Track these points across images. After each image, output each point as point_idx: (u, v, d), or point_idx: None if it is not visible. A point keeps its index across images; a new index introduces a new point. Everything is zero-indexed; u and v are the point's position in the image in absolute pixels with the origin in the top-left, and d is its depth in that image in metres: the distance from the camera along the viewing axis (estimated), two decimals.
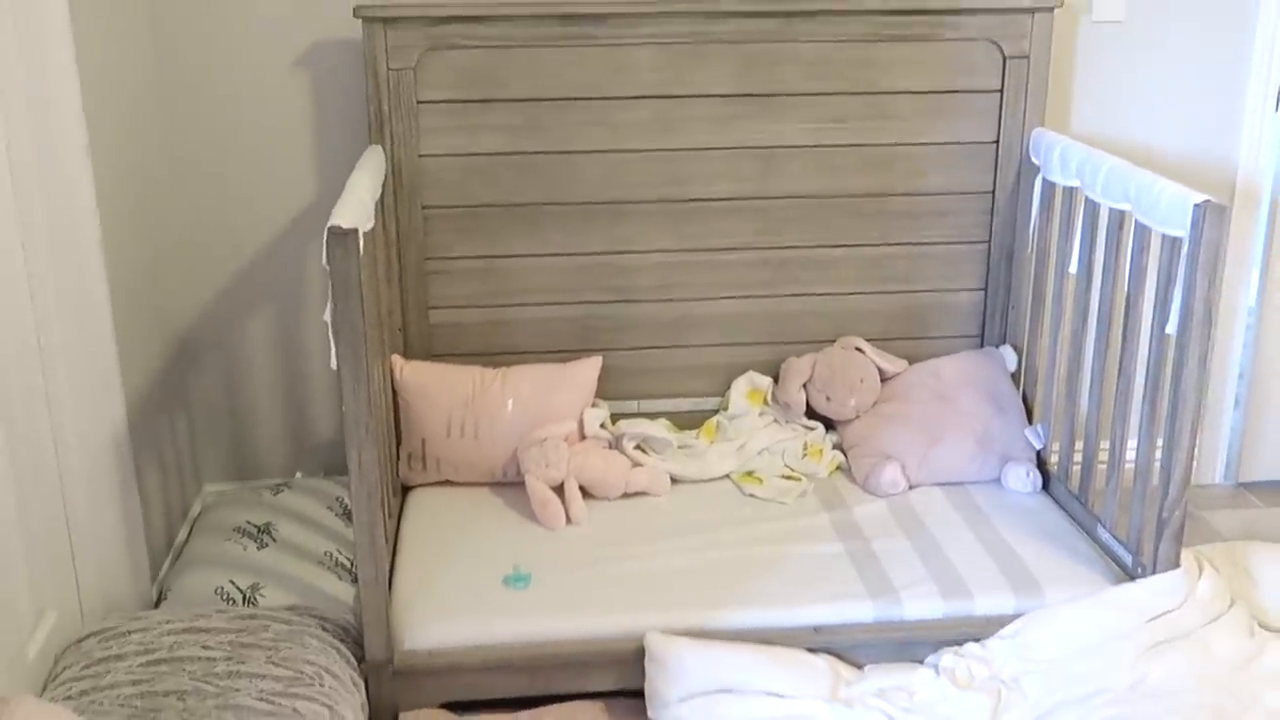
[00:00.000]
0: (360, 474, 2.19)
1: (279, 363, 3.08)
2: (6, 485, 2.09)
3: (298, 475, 3.07)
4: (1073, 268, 2.78)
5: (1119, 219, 2.60)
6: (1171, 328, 2.39)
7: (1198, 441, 3.35)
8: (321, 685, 2.17)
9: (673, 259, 3.04)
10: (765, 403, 3.11)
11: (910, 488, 2.92)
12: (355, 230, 2.08)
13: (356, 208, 2.23)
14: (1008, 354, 3.10)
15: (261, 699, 2.10)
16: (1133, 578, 2.53)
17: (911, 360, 3.12)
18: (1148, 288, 2.53)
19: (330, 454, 3.13)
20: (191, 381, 3.04)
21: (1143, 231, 2.51)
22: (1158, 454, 2.47)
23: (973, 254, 3.12)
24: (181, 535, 2.89)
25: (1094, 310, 2.72)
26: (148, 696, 2.08)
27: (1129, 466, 2.69)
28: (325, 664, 2.23)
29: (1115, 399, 2.64)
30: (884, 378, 3.08)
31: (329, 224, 2.09)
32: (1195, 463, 3.35)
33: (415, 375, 2.87)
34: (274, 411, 3.12)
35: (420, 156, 2.89)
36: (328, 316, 2.15)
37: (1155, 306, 2.47)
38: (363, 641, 2.34)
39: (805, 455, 3.02)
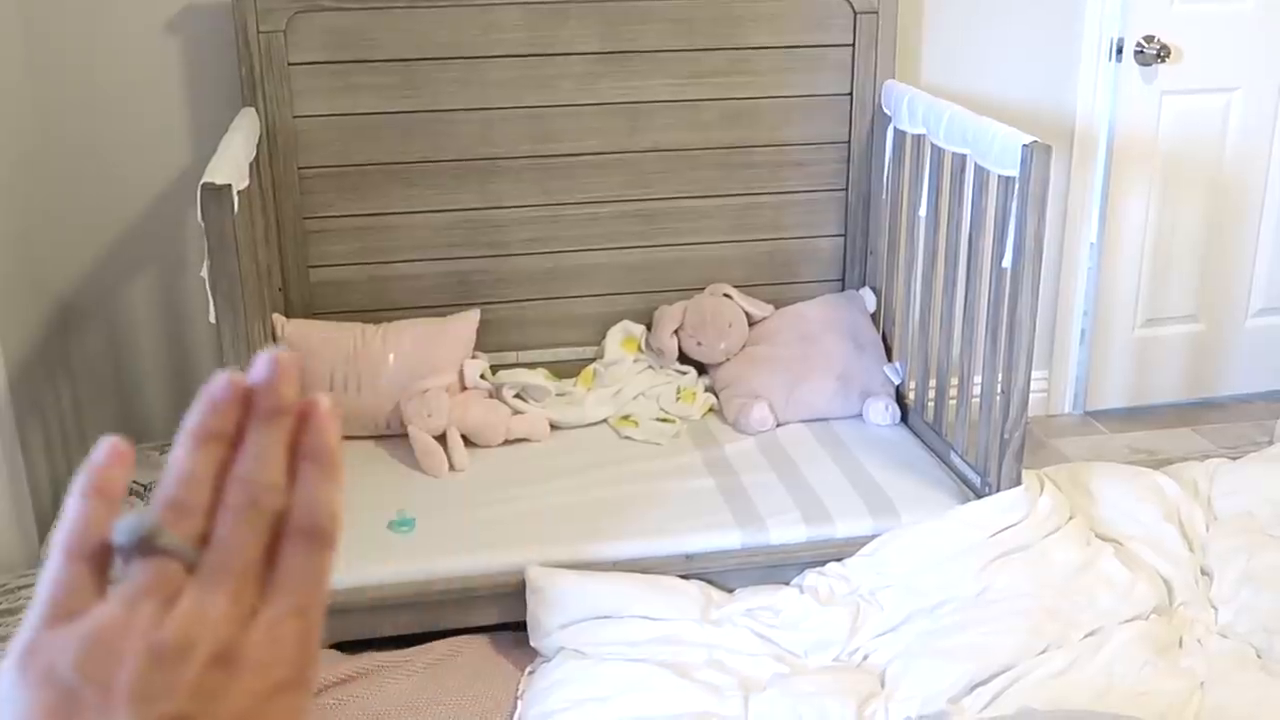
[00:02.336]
0: None
1: (161, 326, 3.12)
2: None
3: None
4: (922, 211, 2.95)
5: (960, 163, 2.77)
6: (1007, 262, 2.57)
7: (1049, 374, 3.59)
8: None
9: (545, 213, 3.15)
10: (639, 350, 3.24)
11: (778, 425, 3.08)
12: (229, 186, 2.15)
13: (230, 165, 2.30)
14: (867, 296, 3.27)
15: None
16: (980, 498, 2.73)
17: (777, 305, 3.27)
18: (987, 227, 2.71)
19: None
20: (74, 348, 3.07)
21: (981, 174, 2.68)
22: (1000, 380, 2.65)
23: (832, 201, 3.28)
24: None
25: (942, 250, 2.89)
26: None
27: (976, 396, 2.88)
28: None
29: (962, 333, 2.82)
30: (751, 322, 3.23)
31: (202, 181, 2.15)
32: (1046, 394, 3.59)
33: (297, 332, 2.94)
34: (159, 374, 3.16)
35: (294, 118, 2.95)
36: (204, 272, 2.22)
37: (994, 244, 2.65)
38: None
39: (679, 399, 3.16)
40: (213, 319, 2.21)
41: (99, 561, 0.45)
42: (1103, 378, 3.66)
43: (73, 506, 0.45)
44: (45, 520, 2.76)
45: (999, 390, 2.65)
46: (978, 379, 2.80)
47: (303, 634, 0.45)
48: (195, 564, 0.44)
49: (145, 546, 0.44)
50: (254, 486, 0.46)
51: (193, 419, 0.47)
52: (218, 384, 0.47)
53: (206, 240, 2.15)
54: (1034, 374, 2.72)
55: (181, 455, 0.46)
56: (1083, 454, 3.38)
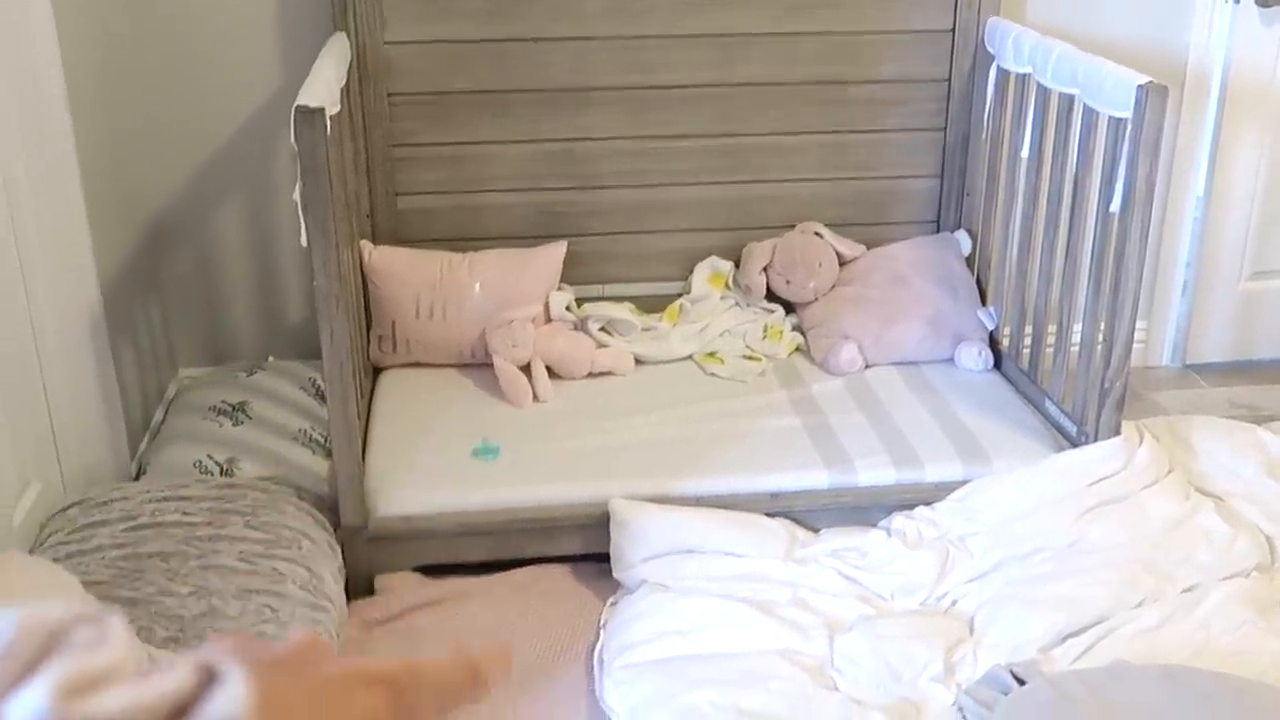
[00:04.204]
0: (332, 345, 2.26)
1: (251, 248, 3.13)
2: (7, 370, 2.16)
3: (270, 359, 3.14)
4: (1025, 152, 2.86)
5: (1068, 103, 2.67)
6: (1115, 206, 2.48)
7: (1148, 325, 3.49)
8: (300, 548, 2.27)
9: (635, 146, 3.10)
10: (726, 287, 3.19)
11: (866, 367, 3.02)
12: (322, 109, 2.13)
13: (322, 89, 2.28)
14: (962, 238, 3.19)
15: (242, 560, 2.20)
16: (1077, 447, 2.65)
17: (869, 245, 3.20)
18: (1094, 170, 2.61)
19: (302, 337, 3.19)
20: (164, 267, 3.09)
21: (1090, 115, 2.59)
22: (1102, 328, 2.57)
23: (929, 141, 3.19)
24: (158, 416, 2.96)
25: (1044, 194, 2.80)
26: (132, 558, 2.18)
27: (1075, 345, 2.79)
28: (303, 529, 2.32)
29: (1063, 278, 2.73)
30: (842, 262, 3.16)
31: (296, 103, 2.14)
32: (1144, 345, 3.49)
33: (384, 259, 2.94)
34: (246, 296, 3.18)
35: (385, 44, 2.92)
36: (297, 195, 2.21)
37: (1101, 188, 2.55)
38: (338, 509, 2.44)
39: (765, 337, 3.12)
40: (304, 242, 2.20)
41: None
42: (1204, 331, 3.54)
43: None
44: (135, 436, 2.79)
45: (1100, 338, 2.56)
46: (1077, 326, 2.72)
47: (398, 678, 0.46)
48: None
49: None
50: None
51: None
52: None
53: (299, 163, 2.14)
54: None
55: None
56: (1180, 407, 3.28)
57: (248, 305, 3.19)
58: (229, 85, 2.98)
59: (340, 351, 2.27)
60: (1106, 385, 2.55)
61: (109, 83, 2.77)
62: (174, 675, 0.36)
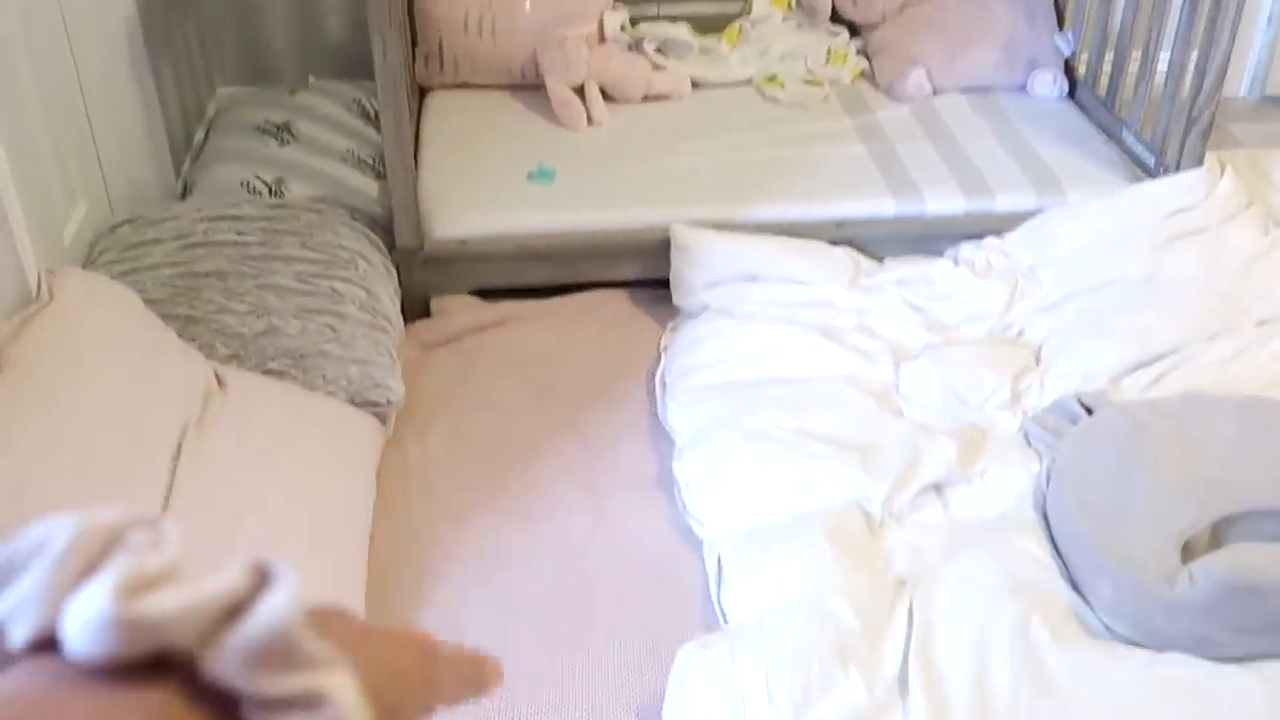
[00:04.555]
0: (385, 61, 2.15)
1: None
2: (27, 79, 2.06)
3: (311, 78, 3.02)
4: None
5: None
6: None
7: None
8: (356, 269, 2.22)
9: None
10: (789, 7, 3.02)
11: (935, 93, 2.89)
12: None
13: None
14: None
15: (299, 280, 2.15)
16: (1153, 178, 2.55)
17: None
18: None
19: (343, 56, 3.06)
20: None
21: None
22: (1193, 56, 2.42)
23: None
24: (199, 135, 2.87)
25: None
26: (187, 277, 2.13)
27: (1159, 73, 2.64)
28: (358, 249, 2.27)
29: (1153, 8, 2.56)
30: None
31: None
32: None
33: None
34: (285, 12, 3.03)
35: None
36: None
37: None
38: (392, 230, 2.38)
39: (829, 61, 2.97)
40: None
41: None
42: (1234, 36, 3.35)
43: None
44: (178, 156, 2.71)
45: (1192, 64, 2.42)
46: (1163, 54, 2.57)
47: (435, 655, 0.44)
48: None
49: None
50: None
51: None
52: None
53: None
54: None
55: None
56: (1257, 140, 3.14)
57: (286, 22, 3.04)
58: None
59: (393, 68, 2.16)
60: (1194, 114, 2.42)
61: None
62: (228, 576, 0.36)
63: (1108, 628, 1.72)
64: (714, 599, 1.78)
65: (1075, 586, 1.77)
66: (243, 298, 2.10)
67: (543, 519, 1.94)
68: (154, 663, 0.34)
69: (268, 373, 2.01)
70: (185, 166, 2.73)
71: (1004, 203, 2.50)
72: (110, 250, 2.24)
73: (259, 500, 1.70)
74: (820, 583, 1.73)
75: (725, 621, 1.75)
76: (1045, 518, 1.90)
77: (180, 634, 0.34)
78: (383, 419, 2.09)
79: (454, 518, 1.94)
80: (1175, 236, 2.42)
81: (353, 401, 2.04)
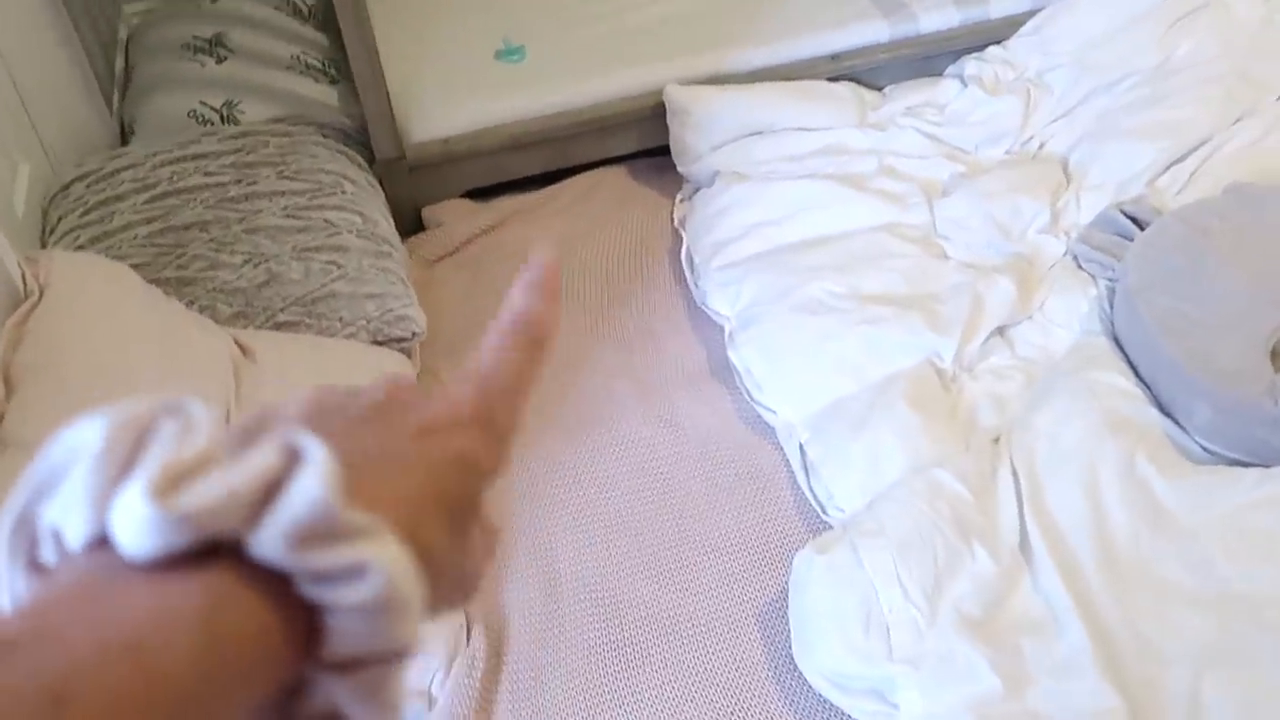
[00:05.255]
0: None
1: None
2: None
3: None
4: None
5: None
6: None
7: None
8: (344, 193, 2.05)
9: None
10: None
11: None
12: None
13: None
14: None
15: (288, 215, 1.98)
16: None
17: None
18: None
19: None
20: None
21: None
22: None
23: None
24: (120, 63, 2.62)
25: None
26: (168, 233, 1.96)
27: None
28: (340, 170, 2.10)
29: None
30: None
31: None
32: None
33: None
34: None
35: None
36: None
37: None
38: (367, 142, 2.20)
39: None
40: None
41: None
42: None
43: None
44: (107, 90, 2.48)
45: None
46: None
47: (488, 392, 0.47)
48: None
49: None
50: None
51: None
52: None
53: None
54: None
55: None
56: None
57: None
58: None
59: None
60: None
61: None
62: (259, 457, 0.37)
63: (1206, 449, 1.69)
64: (807, 489, 1.72)
65: (1165, 411, 1.73)
66: (233, 247, 1.93)
67: (605, 429, 1.84)
68: (203, 547, 0.35)
69: (279, 326, 1.86)
70: (116, 101, 2.49)
71: (998, 7, 2.37)
72: (70, 215, 2.04)
73: None
74: (918, 455, 1.67)
75: (825, 512, 1.69)
76: (1117, 342, 1.84)
77: (222, 520, 0.35)
78: (408, 352, 1.96)
79: (514, 443, 1.83)
80: (1181, 16, 2.31)
81: (375, 340, 1.90)
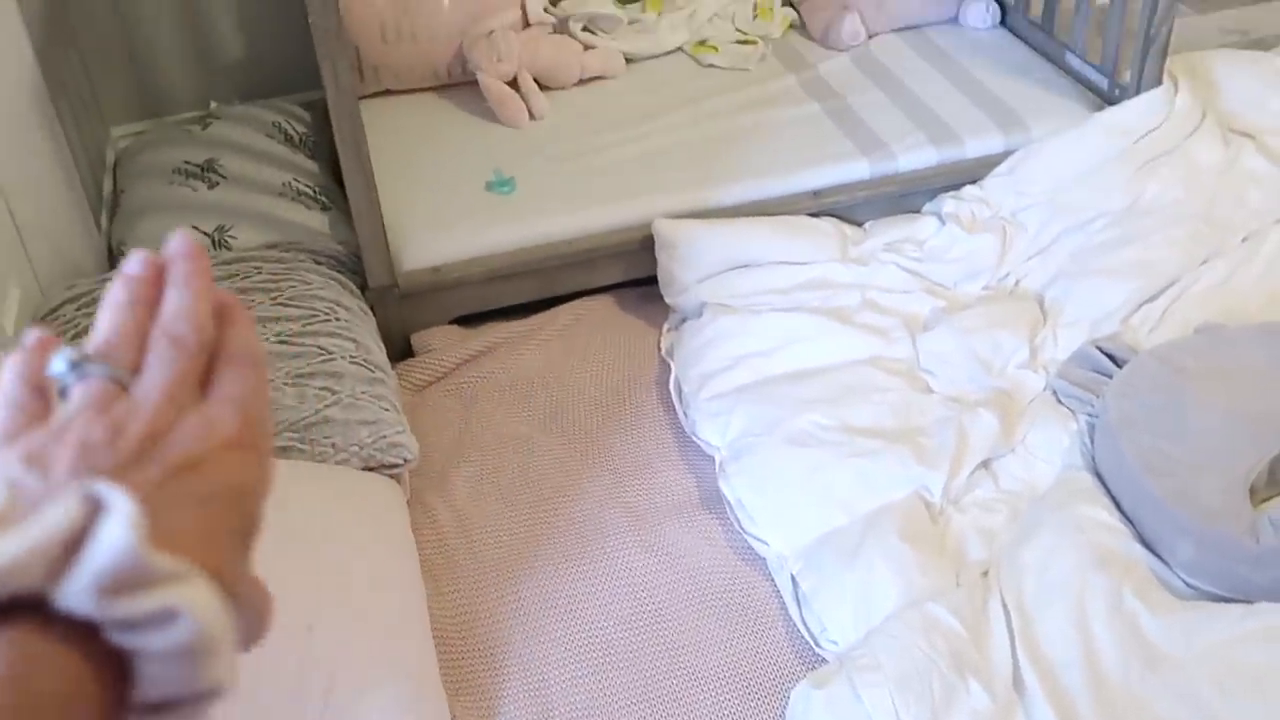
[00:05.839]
0: (338, 89, 1.98)
1: None
2: None
3: (213, 105, 2.80)
4: None
5: None
6: None
7: None
8: (337, 319, 2.07)
9: None
10: None
11: (869, 37, 2.82)
12: None
13: None
14: None
15: (283, 341, 2.00)
16: (1110, 102, 2.53)
17: None
18: None
19: (244, 77, 2.85)
20: (74, 12, 2.68)
21: None
22: None
23: None
24: (107, 184, 2.64)
25: None
26: None
27: None
28: (333, 297, 2.12)
29: None
30: None
31: None
32: None
33: None
34: (172, 36, 2.79)
35: None
36: None
37: None
38: (358, 269, 2.23)
39: (756, 16, 2.87)
40: None
41: (46, 390, 0.48)
42: None
43: (22, 348, 0.48)
44: (96, 212, 2.49)
45: None
46: None
47: (244, 412, 0.47)
48: (129, 386, 0.47)
49: (80, 371, 0.47)
50: (176, 327, 0.48)
51: (112, 293, 0.50)
52: (133, 261, 0.51)
53: None
54: None
55: (105, 317, 0.49)
56: (1180, 42, 3.16)
57: (175, 47, 2.81)
58: None
59: (347, 95, 1.99)
60: (1152, 31, 2.40)
61: None
62: (60, 511, 0.37)
63: (1189, 585, 1.72)
64: (799, 621, 1.73)
65: (1149, 546, 1.76)
66: None
67: (597, 559, 1.85)
68: (8, 606, 0.34)
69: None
70: (105, 223, 2.51)
71: (973, 148, 2.46)
72: (60, 338, 2.04)
73: (319, 601, 1.57)
74: (910, 588, 1.68)
75: (818, 644, 1.69)
76: (1099, 477, 1.88)
77: (23, 577, 0.34)
78: (398, 478, 1.97)
79: (506, 573, 1.83)
80: (1147, 160, 2.41)
81: (367, 466, 1.91)
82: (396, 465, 1.92)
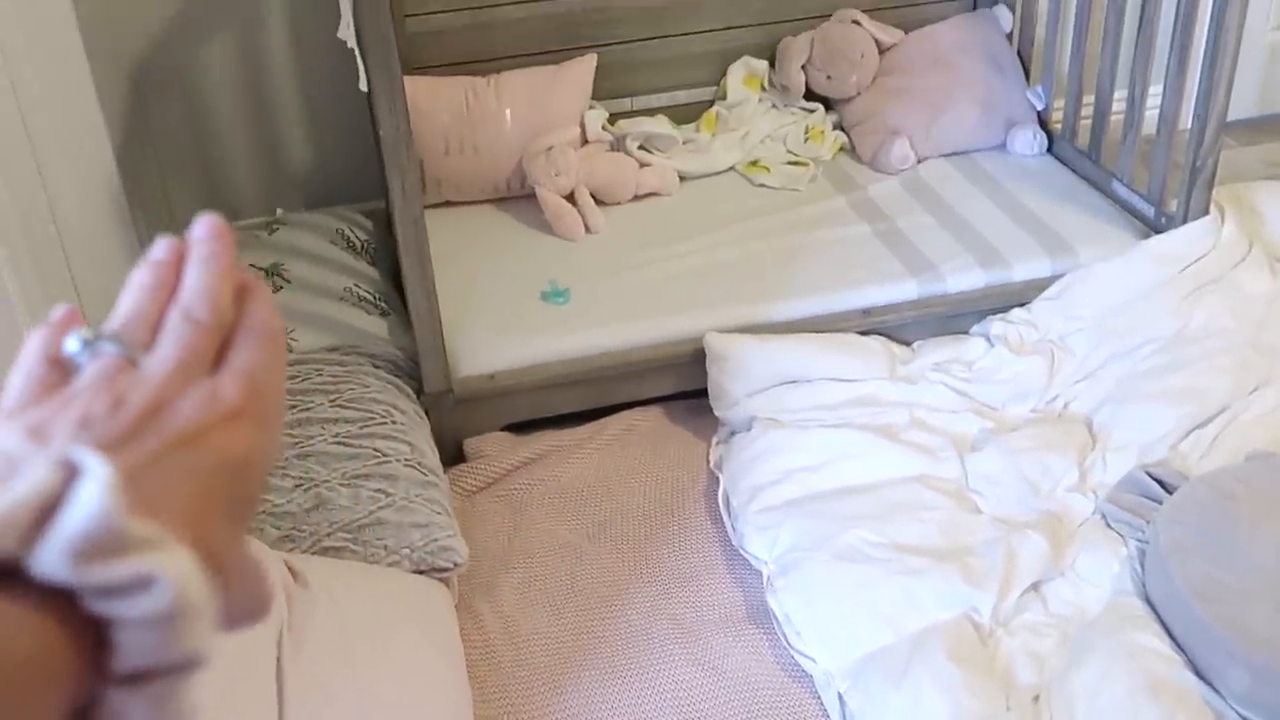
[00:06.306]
0: (405, 199, 2.06)
1: (244, 92, 2.83)
2: (25, 260, 1.91)
3: (280, 211, 2.89)
4: None
5: None
6: None
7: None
8: (394, 422, 2.11)
9: None
10: (763, 88, 2.99)
11: (918, 161, 2.88)
12: None
13: None
14: (1002, 14, 3.00)
15: (340, 443, 2.04)
16: (1156, 230, 2.57)
17: (907, 29, 3.01)
18: None
19: (310, 186, 2.95)
20: (153, 121, 2.79)
21: None
22: (1193, 104, 2.45)
23: None
24: None
25: None
26: None
27: (1148, 121, 2.66)
28: (390, 400, 2.16)
29: (1135, 52, 2.58)
30: (881, 50, 2.97)
31: None
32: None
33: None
34: (243, 146, 2.89)
35: None
36: (347, 33, 1.95)
37: None
38: (415, 374, 2.27)
39: (807, 139, 2.94)
40: (363, 86, 1.96)
41: (63, 366, 0.48)
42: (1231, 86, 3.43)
43: (46, 324, 0.49)
44: None
45: (1193, 114, 2.45)
46: (1154, 92, 2.60)
47: (252, 383, 0.47)
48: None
49: (93, 349, 0.48)
50: (190, 302, 0.49)
51: (135, 276, 0.51)
52: (159, 247, 0.52)
53: None
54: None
55: (125, 299, 0.50)
56: (1225, 173, 3.20)
57: (246, 156, 2.91)
58: None
59: (414, 205, 2.06)
60: (1199, 163, 2.45)
61: None
62: (35, 476, 0.36)
63: (1241, 716, 1.70)
64: None
65: (1201, 675, 1.75)
66: (285, 471, 1.98)
67: (643, 671, 1.85)
68: None
69: (325, 550, 1.89)
70: None
71: (1020, 271, 2.49)
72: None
73: (368, 702, 1.58)
74: (958, 710, 1.67)
75: None
76: (1150, 604, 1.87)
77: None
78: (447, 581, 1.98)
79: (551, 682, 1.84)
80: (1195, 288, 2.43)
81: (417, 569, 1.93)
82: (447, 569, 1.94)
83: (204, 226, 0.52)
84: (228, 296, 0.50)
